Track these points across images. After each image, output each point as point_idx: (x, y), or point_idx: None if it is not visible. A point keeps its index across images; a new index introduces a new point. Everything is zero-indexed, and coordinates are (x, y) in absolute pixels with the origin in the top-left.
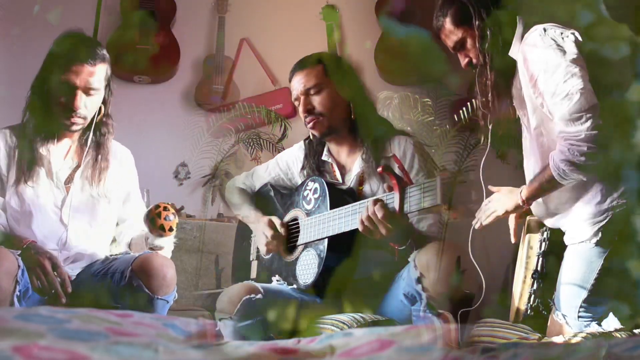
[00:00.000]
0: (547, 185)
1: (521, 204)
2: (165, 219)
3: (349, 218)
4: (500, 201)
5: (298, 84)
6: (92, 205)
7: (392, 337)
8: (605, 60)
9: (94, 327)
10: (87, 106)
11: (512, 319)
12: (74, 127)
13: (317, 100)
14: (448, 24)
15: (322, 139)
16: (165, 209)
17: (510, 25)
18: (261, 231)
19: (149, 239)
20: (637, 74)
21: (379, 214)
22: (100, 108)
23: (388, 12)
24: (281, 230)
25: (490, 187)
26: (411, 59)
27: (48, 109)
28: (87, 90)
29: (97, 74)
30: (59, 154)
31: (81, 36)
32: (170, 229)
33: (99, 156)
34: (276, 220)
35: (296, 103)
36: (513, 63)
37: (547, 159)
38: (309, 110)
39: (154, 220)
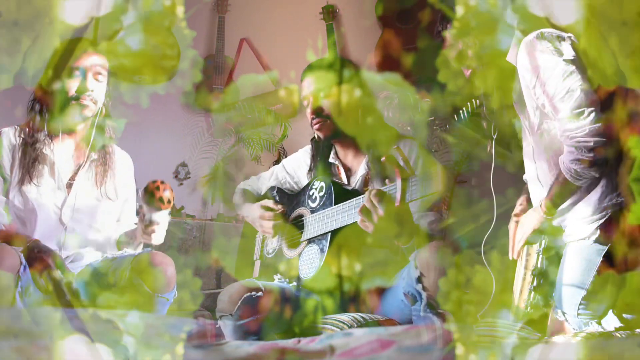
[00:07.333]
0: (564, 191)
1: (545, 218)
2: (163, 191)
3: (352, 212)
4: (525, 225)
5: (309, 85)
6: (94, 206)
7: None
8: None
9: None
10: (96, 91)
11: (512, 318)
12: (86, 112)
13: (326, 104)
14: (448, 38)
15: (327, 141)
16: (162, 182)
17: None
18: (259, 217)
19: (145, 215)
20: None
21: (374, 200)
22: (101, 109)
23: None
24: (276, 207)
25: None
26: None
27: (57, 101)
28: (95, 75)
29: (102, 61)
30: (63, 153)
31: (84, 38)
32: (169, 202)
33: (102, 157)
34: (267, 202)
35: (305, 102)
36: (512, 68)
37: (552, 159)
38: (317, 112)
39: (153, 194)
